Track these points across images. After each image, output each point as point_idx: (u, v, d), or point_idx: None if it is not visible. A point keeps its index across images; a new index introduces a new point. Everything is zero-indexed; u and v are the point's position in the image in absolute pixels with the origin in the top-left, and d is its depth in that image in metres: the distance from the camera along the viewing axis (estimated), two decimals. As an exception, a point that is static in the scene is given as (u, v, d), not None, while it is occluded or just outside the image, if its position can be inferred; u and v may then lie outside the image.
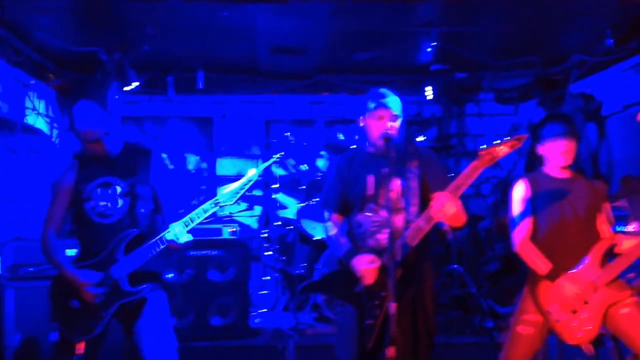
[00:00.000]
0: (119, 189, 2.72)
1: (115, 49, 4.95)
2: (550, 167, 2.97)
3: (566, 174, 2.95)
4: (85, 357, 2.66)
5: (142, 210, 2.72)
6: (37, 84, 5.07)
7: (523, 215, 2.91)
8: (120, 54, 5.00)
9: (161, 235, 2.64)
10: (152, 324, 2.70)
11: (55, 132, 5.48)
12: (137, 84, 5.13)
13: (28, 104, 4.94)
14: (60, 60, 5.18)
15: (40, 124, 5.19)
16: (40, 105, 5.21)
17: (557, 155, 2.90)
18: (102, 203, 2.70)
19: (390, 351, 2.31)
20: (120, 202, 2.70)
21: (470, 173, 2.45)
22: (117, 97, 5.03)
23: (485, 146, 2.39)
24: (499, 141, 2.36)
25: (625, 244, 2.86)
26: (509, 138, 2.36)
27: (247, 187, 2.69)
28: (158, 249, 2.65)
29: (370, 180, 2.73)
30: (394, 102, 2.74)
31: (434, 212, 2.46)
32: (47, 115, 5.33)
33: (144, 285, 2.66)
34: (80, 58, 4.96)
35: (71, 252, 2.96)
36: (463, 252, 5.50)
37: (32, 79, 4.95)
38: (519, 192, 2.96)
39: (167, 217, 2.76)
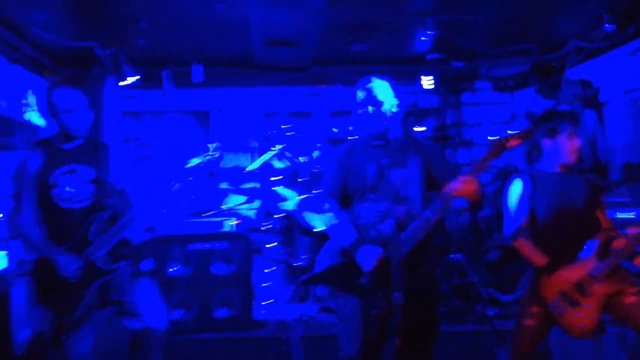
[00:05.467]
0: (85, 176, 2.83)
1: (110, 43, 4.93)
2: (548, 162, 3.00)
3: (562, 170, 2.99)
4: (72, 338, 2.78)
5: (108, 196, 2.86)
6: (35, 80, 5.05)
7: (521, 211, 2.94)
8: (115, 49, 4.98)
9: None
10: (145, 289, 2.90)
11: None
12: (133, 78, 5.12)
13: (26, 100, 4.92)
14: (57, 56, 5.16)
15: (39, 120, 5.17)
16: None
17: (568, 152, 2.94)
18: (68, 189, 2.79)
19: (395, 341, 2.33)
20: (86, 188, 2.83)
21: (482, 164, 2.50)
22: (113, 91, 5.04)
23: (496, 137, 2.43)
24: (510, 132, 2.41)
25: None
26: (520, 130, 2.40)
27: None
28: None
29: (371, 170, 2.73)
30: (378, 87, 2.74)
31: (456, 187, 2.48)
32: (44, 112, 5.31)
33: (120, 264, 2.81)
34: (76, 53, 4.95)
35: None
36: (463, 242, 5.52)
37: (29, 74, 4.92)
38: (517, 188, 2.98)
39: (133, 203, 2.89)
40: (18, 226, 2.81)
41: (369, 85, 2.75)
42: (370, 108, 2.71)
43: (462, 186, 2.48)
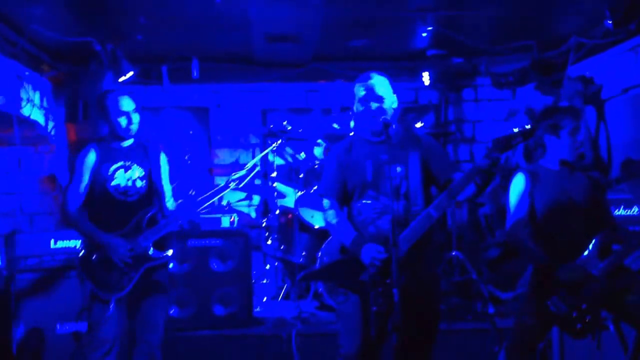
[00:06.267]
0: (137, 173, 3.14)
1: (108, 39, 4.91)
2: (551, 158, 2.98)
3: (564, 166, 2.96)
4: (113, 315, 3.04)
5: (156, 192, 3.20)
6: (32, 75, 5.02)
7: (521, 208, 2.91)
8: (113, 45, 4.96)
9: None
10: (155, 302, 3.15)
11: (50, 123, 5.43)
12: (131, 74, 5.09)
13: (24, 95, 4.89)
14: (55, 52, 5.13)
15: (37, 115, 5.14)
16: (36, 97, 5.16)
17: (571, 148, 2.92)
18: (124, 183, 3.10)
19: (395, 338, 2.32)
20: (139, 183, 3.15)
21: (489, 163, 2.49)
22: (111, 87, 5.03)
23: (497, 137, 2.41)
24: (514, 130, 2.39)
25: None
26: (523, 128, 2.38)
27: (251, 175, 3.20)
28: None
29: (370, 166, 2.72)
30: (379, 84, 2.73)
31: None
32: (42, 107, 5.28)
33: (167, 251, 3.16)
34: (74, 49, 4.92)
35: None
36: (463, 239, 5.51)
37: (27, 70, 4.89)
38: (519, 185, 2.95)
39: (176, 199, 3.27)
40: (71, 216, 3.07)
41: (370, 81, 2.73)
42: (373, 104, 2.69)
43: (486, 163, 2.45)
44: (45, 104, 5.35)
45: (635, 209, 3.74)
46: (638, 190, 3.76)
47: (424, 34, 4.93)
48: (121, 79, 5.08)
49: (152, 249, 3.10)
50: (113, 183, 3.09)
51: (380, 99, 2.70)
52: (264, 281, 5.25)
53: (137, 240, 3.07)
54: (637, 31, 4.39)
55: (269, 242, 5.16)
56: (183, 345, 3.98)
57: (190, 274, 4.18)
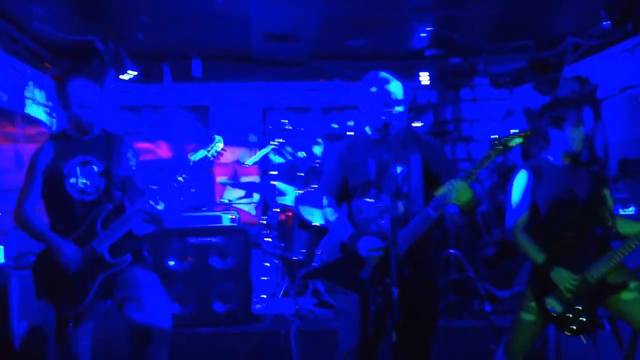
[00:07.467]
0: (96, 168, 2.81)
1: (110, 37, 4.94)
2: (555, 152, 2.95)
3: (567, 161, 2.94)
4: (75, 330, 2.77)
5: (116, 190, 2.82)
6: (35, 73, 5.04)
7: (522, 205, 2.90)
8: (115, 43, 4.99)
9: None
10: (151, 286, 2.81)
11: (53, 121, 5.46)
12: (134, 73, 5.12)
13: (27, 93, 4.92)
14: (57, 49, 5.16)
15: (40, 113, 5.17)
16: (39, 95, 5.19)
17: (575, 140, 2.88)
18: (82, 180, 2.78)
19: (393, 336, 2.34)
20: (98, 180, 2.80)
21: (483, 162, 2.50)
22: (112, 85, 5.06)
23: (497, 136, 2.42)
24: (514, 131, 2.40)
25: (623, 229, 2.89)
26: (523, 130, 2.40)
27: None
28: None
29: (372, 165, 2.73)
30: (396, 87, 2.71)
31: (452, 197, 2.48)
32: (45, 105, 5.31)
33: (125, 257, 2.76)
34: (76, 47, 4.95)
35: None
36: (460, 237, 5.54)
37: (30, 68, 4.92)
38: (521, 181, 2.93)
39: (138, 197, 2.84)
40: (22, 216, 2.78)
41: (390, 84, 2.71)
42: (397, 108, 2.68)
43: (457, 194, 2.47)
44: (48, 101, 5.39)
45: (632, 208, 3.76)
46: (634, 189, 3.77)
47: (423, 34, 4.96)
48: (123, 77, 5.11)
49: (108, 253, 2.73)
50: (71, 181, 2.77)
51: (400, 103, 2.70)
52: (264, 278, 5.28)
53: (91, 244, 2.72)
54: (633, 32, 4.43)
55: (269, 239, 5.20)
56: (182, 342, 4.01)
57: (190, 271, 4.20)
